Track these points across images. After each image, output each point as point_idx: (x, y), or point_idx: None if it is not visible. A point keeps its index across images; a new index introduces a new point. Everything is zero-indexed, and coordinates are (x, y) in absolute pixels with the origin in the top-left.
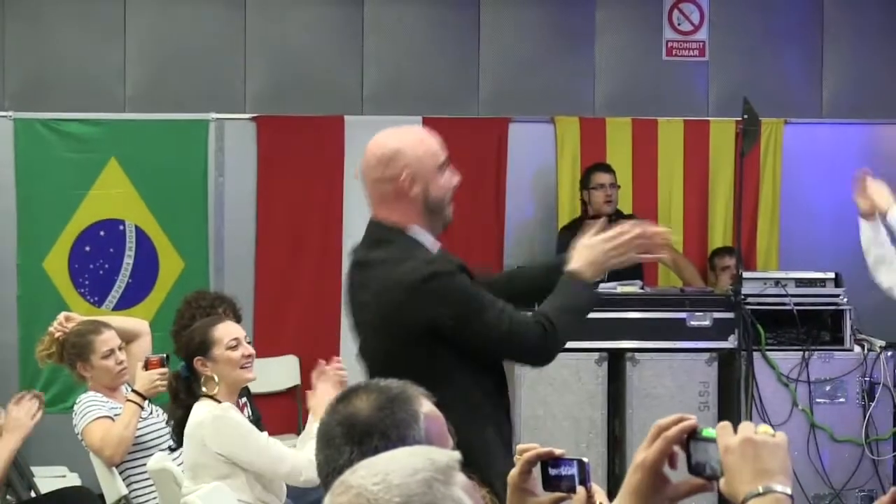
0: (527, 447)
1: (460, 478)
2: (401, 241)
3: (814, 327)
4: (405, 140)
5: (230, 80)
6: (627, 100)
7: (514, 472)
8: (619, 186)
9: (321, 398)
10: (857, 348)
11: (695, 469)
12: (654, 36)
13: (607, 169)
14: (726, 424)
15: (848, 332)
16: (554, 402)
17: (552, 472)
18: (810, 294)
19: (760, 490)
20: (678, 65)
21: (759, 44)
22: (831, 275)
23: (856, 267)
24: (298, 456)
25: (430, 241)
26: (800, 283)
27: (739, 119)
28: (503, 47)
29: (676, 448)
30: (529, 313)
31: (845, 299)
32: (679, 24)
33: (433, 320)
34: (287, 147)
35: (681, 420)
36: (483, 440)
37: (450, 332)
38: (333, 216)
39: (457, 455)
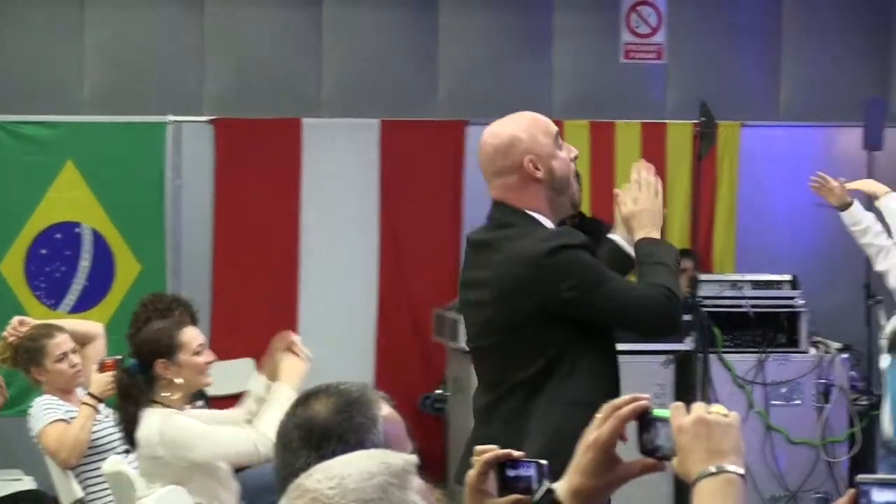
0: (484, 449)
1: (416, 482)
2: (523, 222)
3: (770, 329)
4: (519, 125)
5: (188, 82)
6: (585, 102)
7: (471, 473)
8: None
9: (288, 365)
10: (812, 350)
11: (647, 449)
12: (611, 39)
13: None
14: (679, 405)
15: (804, 334)
16: None
17: (510, 473)
18: (766, 296)
19: (713, 470)
20: (636, 68)
21: (717, 47)
22: (788, 277)
23: (812, 269)
24: (251, 434)
25: (551, 226)
26: (756, 285)
27: (696, 122)
28: (461, 50)
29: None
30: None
31: (801, 302)
32: (637, 27)
33: (554, 295)
34: (245, 149)
35: (634, 400)
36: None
37: (571, 306)
38: (291, 218)
39: (413, 459)
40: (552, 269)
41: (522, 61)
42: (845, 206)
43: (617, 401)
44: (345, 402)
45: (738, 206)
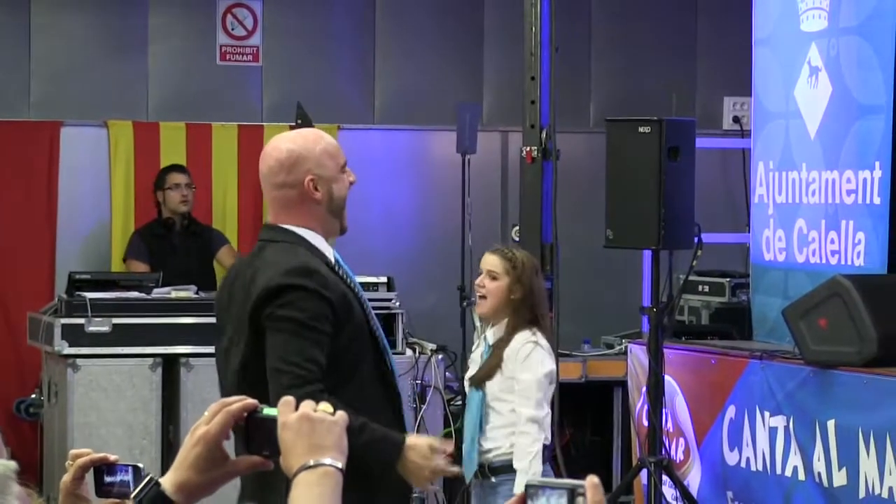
0: (79, 452)
1: (16, 488)
2: (287, 238)
3: None
4: (306, 143)
5: None
6: (181, 104)
7: (66, 478)
8: (195, 187)
9: None
10: (409, 351)
11: (253, 447)
12: (207, 40)
13: (182, 170)
14: (289, 401)
15: (400, 335)
16: (107, 408)
17: (107, 479)
18: None
19: (312, 463)
20: (232, 70)
21: (313, 50)
22: (384, 279)
23: (408, 271)
24: None
25: (324, 246)
26: None
27: (293, 124)
28: (55, 50)
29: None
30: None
31: (398, 303)
32: (233, 29)
33: (263, 314)
34: None
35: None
36: None
37: (265, 332)
38: None
39: (13, 465)
40: (274, 294)
41: (118, 62)
42: None
43: (227, 399)
44: None
45: None
